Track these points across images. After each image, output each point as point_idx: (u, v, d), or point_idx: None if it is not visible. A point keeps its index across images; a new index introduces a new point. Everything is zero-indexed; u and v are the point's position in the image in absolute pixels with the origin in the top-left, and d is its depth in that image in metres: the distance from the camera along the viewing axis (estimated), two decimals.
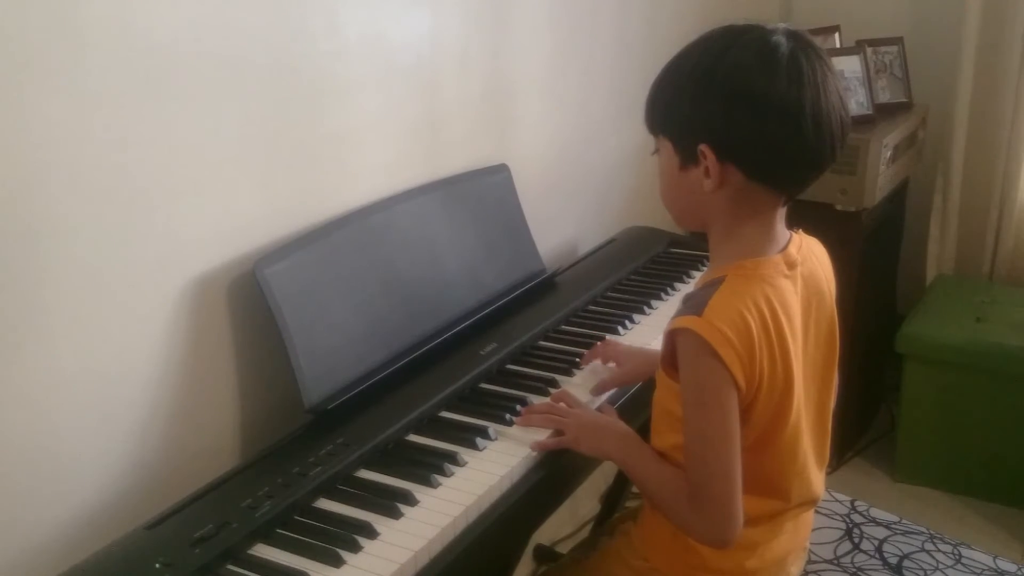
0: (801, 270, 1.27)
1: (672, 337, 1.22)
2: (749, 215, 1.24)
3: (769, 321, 1.20)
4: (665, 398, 1.31)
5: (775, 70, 1.15)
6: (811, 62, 1.17)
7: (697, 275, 2.06)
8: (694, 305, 1.20)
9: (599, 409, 1.50)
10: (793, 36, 1.18)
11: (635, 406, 1.56)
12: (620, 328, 1.78)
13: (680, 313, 1.22)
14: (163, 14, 1.29)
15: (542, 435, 1.40)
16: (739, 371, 1.17)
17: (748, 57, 1.16)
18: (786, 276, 1.24)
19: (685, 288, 2.00)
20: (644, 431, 1.38)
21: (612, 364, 1.61)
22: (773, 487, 1.28)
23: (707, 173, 1.20)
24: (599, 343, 1.66)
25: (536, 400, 1.50)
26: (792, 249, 1.26)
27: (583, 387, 1.56)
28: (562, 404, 1.46)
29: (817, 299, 1.30)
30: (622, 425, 1.40)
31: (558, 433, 1.39)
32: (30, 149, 1.16)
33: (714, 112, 1.18)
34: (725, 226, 1.26)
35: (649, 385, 1.38)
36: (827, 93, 1.17)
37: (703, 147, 1.19)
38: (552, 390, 1.54)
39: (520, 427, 1.43)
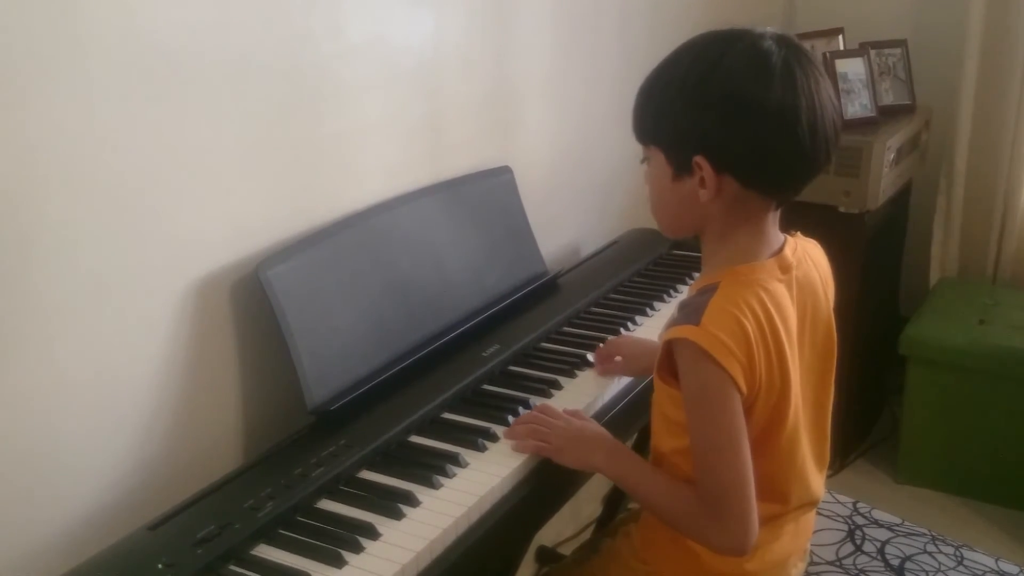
0: (796, 273, 1.27)
1: (669, 347, 1.22)
2: (742, 221, 1.24)
3: (765, 325, 1.20)
4: (663, 403, 1.31)
5: (769, 78, 1.14)
6: (803, 68, 1.16)
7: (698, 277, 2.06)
8: (690, 313, 1.20)
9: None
10: (783, 42, 1.18)
11: (636, 409, 1.56)
12: (622, 330, 1.79)
13: (676, 322, 1.22)
14: (165, 16, 1.29)
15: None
16: (740, 377, 1.17)
17: (741, 66, 1.16)
18: (780, 280, 1.24)
19: (687, 290, 2.00)
20: (645, 434, 1.39)
21: (618, 358, 1.62)
22: (772, 490, 1.28)
23: (702, 184, 1.20)
24: (601, 344, 1.66)
25: (538, 401, 1.50)
26: (787, 252, 1.26)
27: (586, 388, 1.57)
28: (544, 416, 1.41)
29: (813, 302, 1.30)
30: (609, 437, 1.38)
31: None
32: (31, 152, 1.17)
33: (709, 123, 1.17)
34: (718, 233, 1.26)
35: (650, 388, 1.37)
36: (820, 98, 1.17)
37: (698, 158, 1.19)
38: (554, 391, 1.55)
39: (508, 439, 1.40)
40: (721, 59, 1.17)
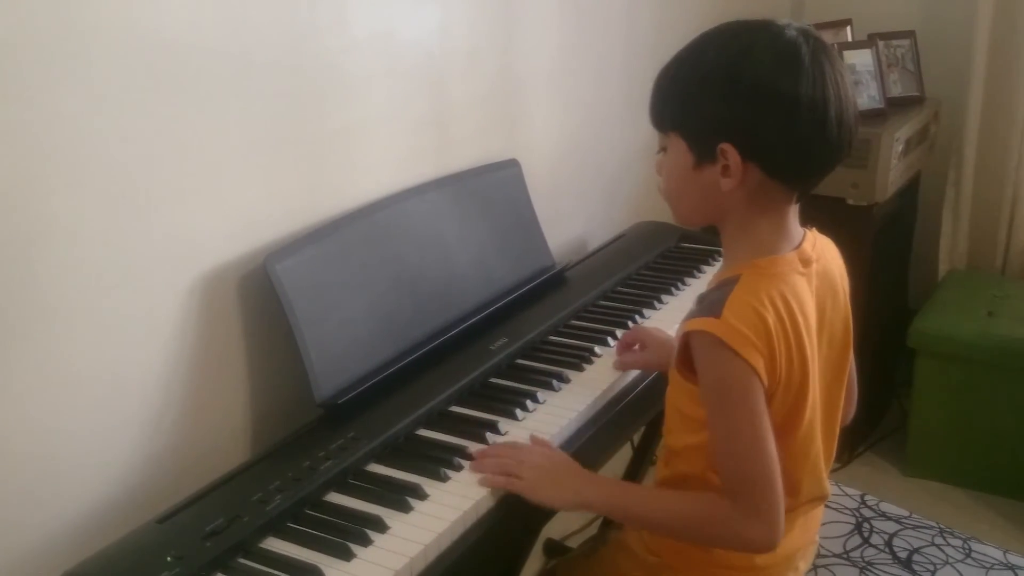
0: (816, 267, 1.26)
1: (687, 339, 1.21)
2: (763, 212, 1.24)
3: (786, 319, 1.19)
4: (678, 398, 1.30)
5: (800, 71, 1.15)
6: (829, 59, 1.17)
7: (707, 270, 2.06)
8: (710, 306, 1.20)
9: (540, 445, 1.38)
10: (807, 34, 1.18)
11: (644, 403, 1.56)
12: (630, 323, 1.78)
13: (696, 314, 1.21)
14: (170, 11, 1.30)
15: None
16: (762, 369, 1.16)
17: (770, 56, 1.16)
18: (801, 273, 1.24)
19: (695, 283, 2.00)
20: (650, 429, 1.38)
21: (636, 347, 1.62)
22: (785, 484, 1.28)
23: (725, 172, 1.20)
24: (629, 330, 1.66)
25: (542, 395, 1.50)
26: (807, 246, 1.26)
27: (593, 381, 1.57)
28: (513, 450, 1.34)
29: (831, 296, 1.29)
30: (582, 468, 1.32)
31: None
32: (38, 147, 1.17)
33: (738, 112, 1.17)
34: (739, 223, 1.25)
35: (658, 382, 1.37)
36: (845, 89, 1.18)
37: (725, 146, 1.18)
38: (562, 385, 1.55)
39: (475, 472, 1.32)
40: (750, 49, 1.17)
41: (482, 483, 1.28)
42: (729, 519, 1.20)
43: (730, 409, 1.19)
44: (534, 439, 1.38)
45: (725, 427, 1.20)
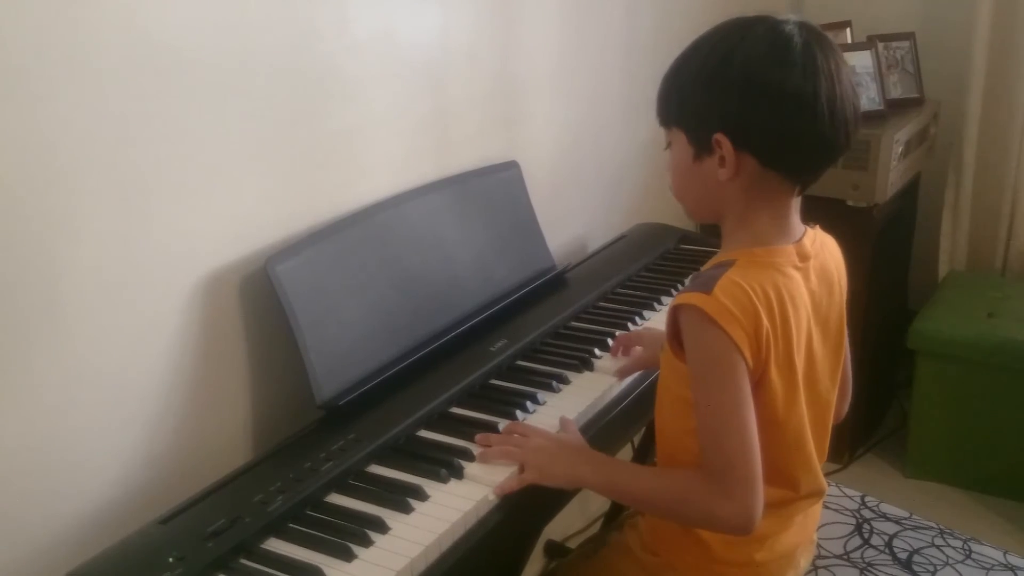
0: (813, 263, 1.27)
1: (676, 313, 1.22)
2: (763, 204, 1.24)
3: (775, 308, 1.20)
4: (671, 381, 1.31)
5: (790, 60, 1.16)
6: (824, 51, 1.18)
7: None
8: (701, 284, 1.20)
9: (563, 429, 1.42)
10: (805, 27, 1.20)
11: (645, 402, 1.56)
12: (630, 325, 1.79)
13: (686, 290, 1.22)
14: (171, 12, 1.30)
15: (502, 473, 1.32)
16: (746, 347, 1.17)
17: (762, 48, 1.17)
18: (797, 267, 1.25)
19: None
20: (654, 428, 1.38)
21: (638, 348, 1.62)
22: (781, 476, 1.28)
23: (722, 162, 1.21)
24: (620, 334, 1.66)
25: (543, 397, 1.51)
26: (806, 242, 1.27)
27: (593, 383, 1.57)
28: (517, 435, 1.37)
29: (828, 294, 1.30)
30: (590, 449, 1.35)
31: (520, 468, 1.32)
32: (39, 149, 1.17)
33: (730, 102, 1.18)
34: (738, 215, 1.26)
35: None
36: (840, 82, 1.18)
37: (718, 136, 1.20)
38: (562, 386, 1.55)
39: (483, 460, 1.34)
40: (742, 40, 1.18)
41: (496, 491, 1.28)
42: (702, 497, 1.20)
43: (712, 384, 1.19)
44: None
45: (706, 402, 1.20)
